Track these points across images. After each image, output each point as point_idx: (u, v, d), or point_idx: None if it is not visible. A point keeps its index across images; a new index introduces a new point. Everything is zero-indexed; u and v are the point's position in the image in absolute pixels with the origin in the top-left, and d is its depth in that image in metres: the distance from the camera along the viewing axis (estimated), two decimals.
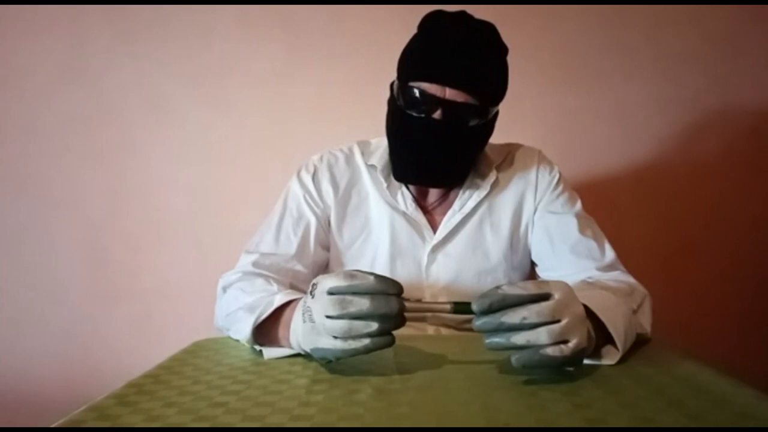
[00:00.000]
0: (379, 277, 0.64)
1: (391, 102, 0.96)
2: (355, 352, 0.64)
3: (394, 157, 0.99)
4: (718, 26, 1.55)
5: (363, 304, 0.63)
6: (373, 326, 0.63)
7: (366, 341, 0.64)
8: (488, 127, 0.96)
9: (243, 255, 0.98)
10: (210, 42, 1.56)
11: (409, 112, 0.91)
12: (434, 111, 0.89)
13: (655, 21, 1.55)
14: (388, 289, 0.63)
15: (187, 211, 1.57)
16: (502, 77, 0.94)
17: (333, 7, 1.54)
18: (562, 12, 1.55)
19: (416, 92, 0.89)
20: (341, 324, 0.63)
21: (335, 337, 0.64)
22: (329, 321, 0.63)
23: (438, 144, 0.91)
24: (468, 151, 0.96)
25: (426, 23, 0.94)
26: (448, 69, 0.87)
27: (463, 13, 0.93)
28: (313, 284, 0.67)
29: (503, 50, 0.94)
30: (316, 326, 0.65)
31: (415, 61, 0.92)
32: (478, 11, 0.93)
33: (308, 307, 0.66)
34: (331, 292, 0.64)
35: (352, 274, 0.64)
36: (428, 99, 0.89)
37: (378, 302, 0.63)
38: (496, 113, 0.96)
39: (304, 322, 0.67)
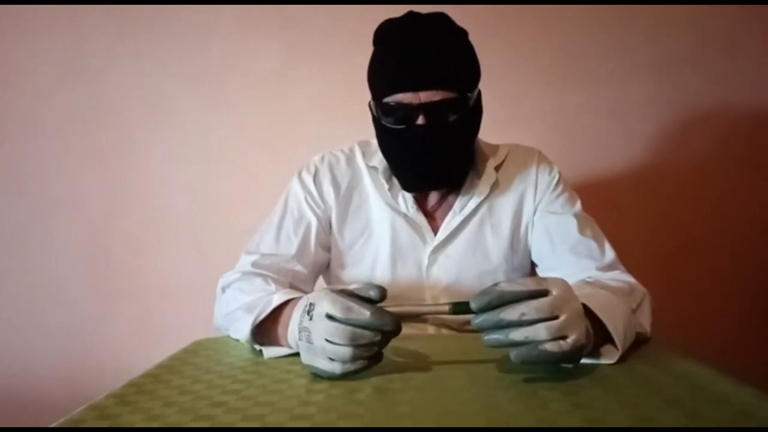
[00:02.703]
0: (376, 313, 0.63)
1: (375, 121, 0.97)
2: (352, 373, 0.65)
3: (394, 170, 0.99)
4: (718, 26, 1.55)
5: (373, 337, 0.63)
6: (374, 350, 0.65)
7: (364, 363, 0.65)
8: (475, 114, 0.96)
9: (243, 255, 0.98)
10: (210, 42, 1.56)
11: (393, 126, 0.92)
12: (416, 117, 0.89)
13: (655, 21, 1.55)
14: (384, 326, 0.63)
15: (187, 211, 1.57)
16: (468, 60, 0.94)
17: (333, 7, 1.54)
18: (562, 12, 1.55)
19: (393, 106, 0.90)
20: (345, 350, 0.63)
21: (332, 359, 0.64)
22: (330, 345, 0.63)
23: (430, 147, 0.91)
24: (462, 143, 0.96)
25: (379, 36, 0.95)
26: (413, 73, 0.88)
27: (410, 13, 0.94)
28: (311, 304, 0.66)
29: (462, 33, 0.94)
30: (314, 347, 0.65)
31: (382, 78, 0.92)
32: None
33: (305, 327, 0.66)
34: (330, 317, 0.64)
35: (348, 306, 0.64)
36: (406, 108, 0.89)
37: (388, 336, 0.65)
38: (479, 96, 0.96)
39: (300, 340, 0.66)
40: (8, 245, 1.57)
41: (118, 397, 0.61)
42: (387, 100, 0.91)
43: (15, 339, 1.57)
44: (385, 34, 0.94)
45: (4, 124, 1.56)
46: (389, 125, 0.92)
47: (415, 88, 0.88)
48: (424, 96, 0.88)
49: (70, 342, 1.57)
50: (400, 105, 0.89)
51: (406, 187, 0.99)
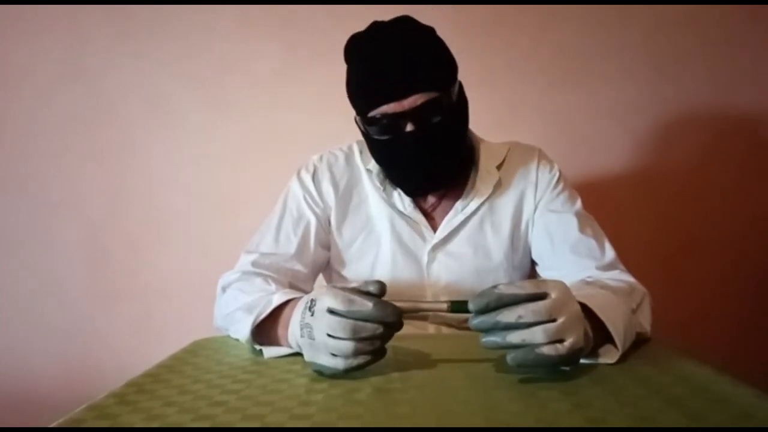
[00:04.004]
0: (378, 304, 0.64)
1: (364, 135, 0.97)
2: (355, 369, 0.65)
3: (392, 178, 1.00)
4: (718, 26, 1.55)
5: (375, 329, 0.63)
6: (376, 344, 0.65)
7: (368, 358, 0.65)
8: (460, 106, 0.96)
9: (243, 255, 0.98)
10: (210, 42, 1.56)
11: (384, 138, 0.92)
12: (404, 125, 0.89)
13: (655, 21, 1.55)
14: (387, 317, 0.64)
15: (187, 211, 1.57)
16: (442, 55, 0.94)
17: (333, 7, 1.54)
18: (562, 12, 1.55)
19: (380, 118, 0.90)
20: (347, 344, 0.63)
21: (334, 355, 0.64)
22: (332, 340, 0.63)
23: (424, 152, 0.91)
24: (454, 139, 0.96)
25: (349, 53, 0.95)
26: (394, 83, 0.88)
27: (374, 23, 0.94)
28: (312, 300, 0.67)
29: (429, 31, 0.95)
30: (316, 343, 0.65)
31: (363, 93, 0.92)
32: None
33: (307, 323, 0.66)
34: (332, 311, 0.64)
35: (350, 299, 0.64)
36: (393, 118, 0.89)
37: (390, 330, 0.65)
38: (460, 88, 0.96)
39: (302, 336, 0.67)
40: (8, 245, 1.57)
41: (117, 397, 0.61)
42: (373, 114, 0.91)
43: (15, 339, 1.57)
44: (355, 50, 0.94)
45: (4, 124, 1.56)
46: (379, 137, 0.93)
47: (398, 98, 0.88)
48: (408, 102, 0.88)
49: (70, 342, 1.57)
50: (386, 116, 0.89)
51: (407, 193, 1.00)
